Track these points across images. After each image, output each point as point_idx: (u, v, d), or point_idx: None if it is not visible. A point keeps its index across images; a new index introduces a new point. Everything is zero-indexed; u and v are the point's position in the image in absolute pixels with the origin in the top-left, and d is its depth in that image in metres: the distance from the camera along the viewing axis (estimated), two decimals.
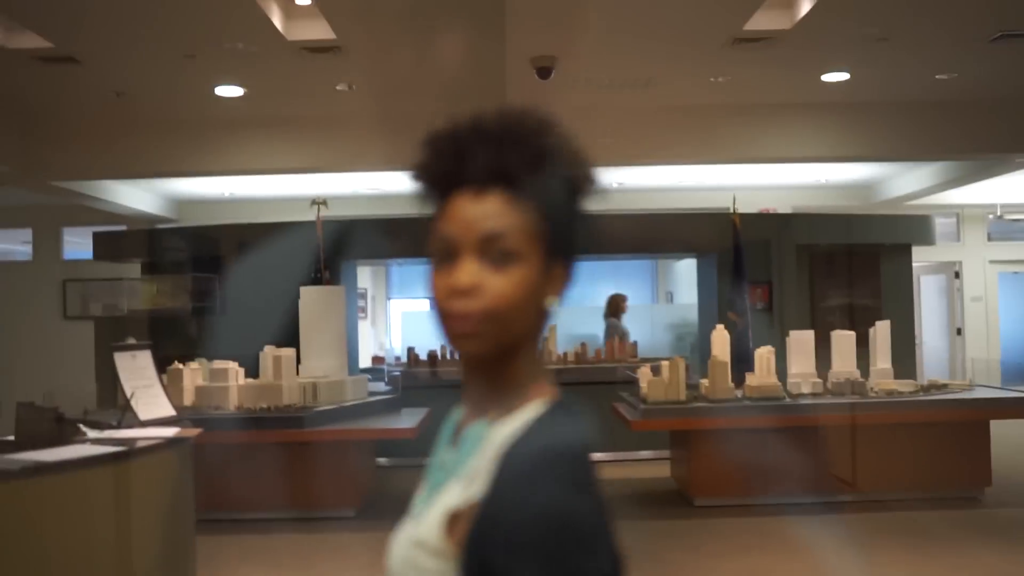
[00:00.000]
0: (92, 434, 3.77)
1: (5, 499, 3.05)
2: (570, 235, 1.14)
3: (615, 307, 10.86)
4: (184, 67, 6.84)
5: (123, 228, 11.44)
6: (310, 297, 8.08)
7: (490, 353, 1.12)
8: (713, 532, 6.75)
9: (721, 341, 7.69)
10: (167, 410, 4.16)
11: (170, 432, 3.78)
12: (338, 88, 7.50)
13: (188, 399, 7.47)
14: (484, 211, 1.09)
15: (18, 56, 6.45)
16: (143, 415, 4.00)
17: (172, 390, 7.46)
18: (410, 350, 10.42)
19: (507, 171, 1.09)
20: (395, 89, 7.72)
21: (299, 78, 7.20)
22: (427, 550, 1.13)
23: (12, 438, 4.26)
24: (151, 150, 8.41)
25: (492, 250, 1.08)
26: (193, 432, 3.86)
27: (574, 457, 1.08)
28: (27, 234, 12.30)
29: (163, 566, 3.77)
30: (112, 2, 5.60)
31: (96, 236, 10.29)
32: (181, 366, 7.58)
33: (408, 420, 7.86)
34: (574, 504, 1.03)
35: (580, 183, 1.14)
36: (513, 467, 1.06)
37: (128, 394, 4.01)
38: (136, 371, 4.13)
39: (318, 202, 8.35)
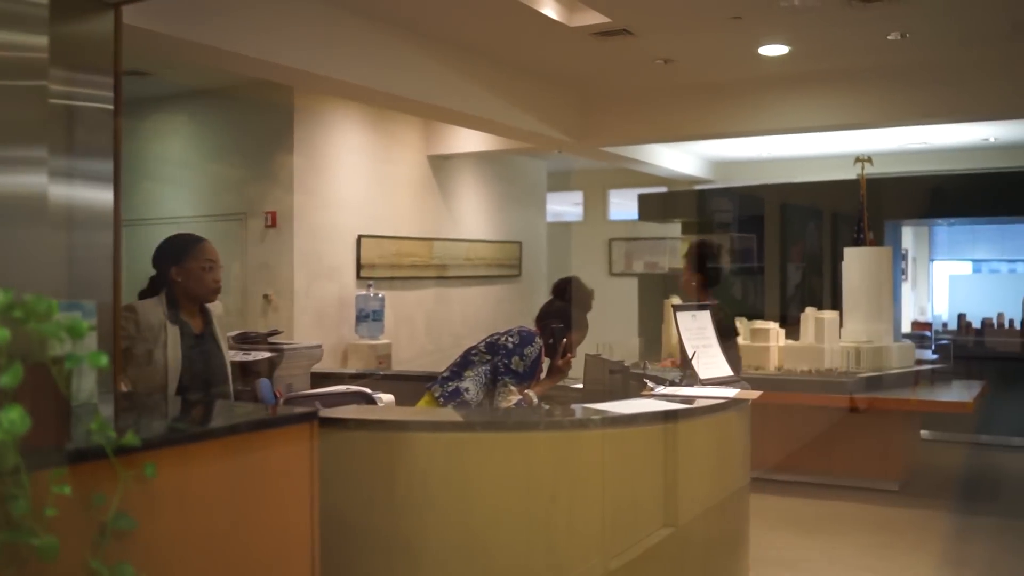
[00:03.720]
0: (659, 390, 3.96)
1: (584, 445, 3.29)
2: None
3: None
4: (730, 29, 6.86)
5: (664, 190, 11.94)
6: (854, 259, 7.76)
7: None
8: None
9: None
10: (725, 370, 4.24)
11: (731, 392, 3.84)
12: (889, 38, 7.03)
13: None
14: None
15: (577, 33, 6.92)
16: (703, 374, 4.11)
17: None
18: (961, 317, 9.64)
19: None
20: (952, 36, 7.06)
21: (848, 30, 6.87)
22: None
23: (579, 386, 4.64)
24: (694, 113, 8.61)
25: None
26: (754, 394, 3.88)
27: None
28: (578, 196, 13.38)
29: (722, 521, 3.86)
30: None
31: (641, 197, 10.88)
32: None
33: (961, 393, 7.29)
34: None
35: None
36: None
37: (689, 353, 4.14)
38: (696, 331, 4.25)
39: (862, 159, 7.98)
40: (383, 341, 8.66)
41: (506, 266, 11.07)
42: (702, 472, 3.73)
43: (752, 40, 7.25)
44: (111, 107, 2.79)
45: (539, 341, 4.19)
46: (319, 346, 7.04)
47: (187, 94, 8.63)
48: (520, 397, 4.00)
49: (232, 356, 5.15)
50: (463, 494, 3.12)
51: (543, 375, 4.29)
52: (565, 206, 13.66)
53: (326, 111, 8.47)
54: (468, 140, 9.66)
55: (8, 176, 2.04)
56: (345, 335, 8.65)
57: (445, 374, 4.22)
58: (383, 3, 6.28)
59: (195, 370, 3.83)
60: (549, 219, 12.22)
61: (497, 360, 4.08)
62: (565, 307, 4.30)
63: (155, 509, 2.10)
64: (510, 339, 4.15)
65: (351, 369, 8.12)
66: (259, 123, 8.37)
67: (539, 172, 11.81)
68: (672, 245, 11.00)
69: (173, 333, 3.77)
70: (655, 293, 9.65)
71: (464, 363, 4.19)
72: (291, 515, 2.50)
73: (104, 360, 1.95)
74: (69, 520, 1.94)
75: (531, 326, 4.33)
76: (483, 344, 4.23)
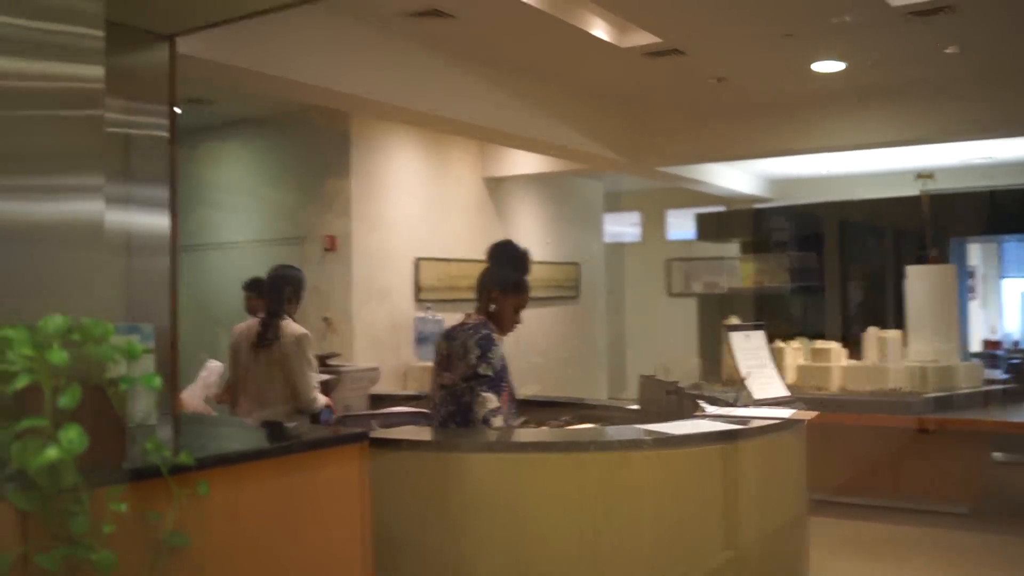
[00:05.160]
0: (711, 410, 3.92)
1: (637, 466, 3.27)
2: None
3: None
4: (782, 47, 6.82)
5: (722, 209, 11.85)
6: (918, 277, 7.62)
7: None
8: None
9: None
10: (781, 390, 4.19)
11: (786, 413, 3.80)
12: (947, 52, 6.93)
13: (789, 378, 7.49)
14: None
15: (629, 53, 6.93)
16: (757, 394, 4.07)
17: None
18: None
19: None
20: (1010, 48, 6.93)
21: (904, 44, 6.79)
22: None
23: (636, 407, 4.62)
24: (750, 132, 8.56)
25: None
26: (809, 415, 3.83)
27: None
28: (636, 217, 13.35)
29: (778, 544, 3.80)
30: None
31: (699, 217, 10.82)
32: (782, 344, 7.61)
33: None
34: None
35: None
36: None
37: (744, 374, 4.10)
38: (750, 351, 4.21)
39: (924, 175, 7.87)
40: None
41: (564, 287, 11.07)
42: (758, 493, 3.68)
43: (806, 56, 7.19)
44: (167, 135, 2.86)
45: (496, 336, 3.82)
46: (376, 368, 7.11)
47: (246, 121, 8.81)
48: (499, 405, 3.65)
49: None
50: (514, 514, 3.12)
51: None
52: (624, 226, 13.62)
53: (382, 135, 8.57)
54: (523, 162, 9.70)
55: (66, 203, 2.10)
56: (404, 357, 8.71)
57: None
58: (437, 29, 6.36)
59: None
60: (607, 240, 12.20)
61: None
62: (499, 274, 3.97)
63: (209, 526, 2.15)
64: (473, 355, 3.72)
65: (410, 391, 8.17)
66: (316, 148, 8.50)
67: (596, 193, 11.81)
68: (731, 265, 10.90)
69: None
70: (714, 313, 9.58)
71: (466, 407, 3.73)
72: (342, 533, 2.53)
73: (157, 381, 2.00)
74: (126, 536, 1.98)
75: (489, 329, 3.88)
76: (461, 379, 3.77)
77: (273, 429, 3.27)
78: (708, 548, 3.47)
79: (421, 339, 8.69)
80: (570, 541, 3.12)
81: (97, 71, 2.09)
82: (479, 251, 9.72)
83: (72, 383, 1.90)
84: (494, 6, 5.93)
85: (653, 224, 13.21)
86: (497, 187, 10.10)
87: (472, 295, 4.02)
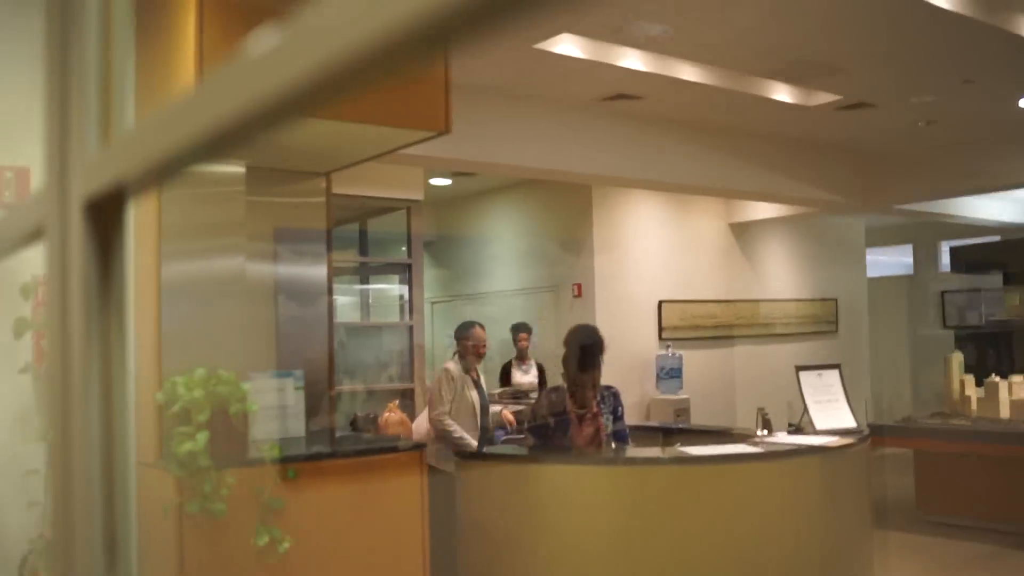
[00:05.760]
0: (770, 436, 4.64)
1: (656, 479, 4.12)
2: None
3: None
4: (971, 90, 7.07)
5: (996, 239, 11.59)
6: None
7: None
8: None
9: None
10: (847, 422, 4.75)
11: (827, 440, 4.38)
12: None
13: (1004, 412, 7.62)
14: None
15: (821, 110, 7.49)
16: (819, 425, 4.67)
17: (987, 403, 7.74)
18: None
19: None
20: None
21: None
22: None
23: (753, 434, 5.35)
24: (968, 167, 8.67)
25: None
26: (848, 441, 4.36)
27: None
28: (907, 250, 13.28)
29: (825, 556, 4.38)
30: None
31: (952, 250, 10.80)
32: (998, 379, 7.75)
33: None
34: None
35: None
36: None
37: (808, 406, 4.74)
38: (821, 387, 4.81)
39: None
40: (681, 396, 9.57)
41: (821, 322, 11.45)
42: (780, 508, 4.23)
43: (1007, 94, 7.33)
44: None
45: (552, 399, 4.88)
46: None
47: (505, 187, 10.24)
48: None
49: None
50: (569, 517, 4.12)
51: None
52: (899, 256, 13.58)
53: (622, 191, 9.64)
54: (769, 206, 10.27)
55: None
56: (647, 391, 9.68)
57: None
58: (632, 109, 7.33)
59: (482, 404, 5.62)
60: (874, 273, 12.32)
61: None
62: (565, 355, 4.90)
63: (299, 498, 3.42)
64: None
65: (653, 422, 9.17)
66: (563, 207, 9.76)
67: (855, 229, 12.02)
68: (994, 296, 10.70)
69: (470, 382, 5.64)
70: (975, 345, 9.65)
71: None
72: (402, 520, 3.70)
73: (254, 407, 3.32)
74: (242, 498, 3.31)
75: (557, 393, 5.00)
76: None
77: (351, 438, 4.53)
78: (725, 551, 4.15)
79: (662, 375, 9.62)
80: (600, 541, 4.03)
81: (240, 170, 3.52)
82: (725, 292, 10.51)
83: (206, 407, 3.26)
84: (669, 87, 6.80)
85: (926, 256, 13.07)
86: (744, 231, 10.78)
87: (715, 334, 5.11)
